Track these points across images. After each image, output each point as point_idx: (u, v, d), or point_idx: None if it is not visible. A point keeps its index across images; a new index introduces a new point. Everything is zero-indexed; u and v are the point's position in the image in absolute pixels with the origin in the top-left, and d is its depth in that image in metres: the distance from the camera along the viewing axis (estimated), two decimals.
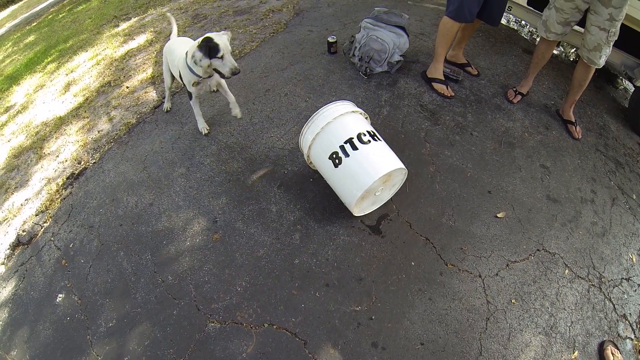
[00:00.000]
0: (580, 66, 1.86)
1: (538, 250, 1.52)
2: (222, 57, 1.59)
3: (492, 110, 2.08)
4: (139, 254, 1.65)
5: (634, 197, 1.83)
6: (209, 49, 1.58)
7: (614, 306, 1.44)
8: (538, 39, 2.76)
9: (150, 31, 3.62)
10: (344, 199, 1.51)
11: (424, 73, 2.25)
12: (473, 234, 1.52)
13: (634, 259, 1.59)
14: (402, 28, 2.26)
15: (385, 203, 1.61)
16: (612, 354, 1.34)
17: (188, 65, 1.68)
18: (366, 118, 1.59)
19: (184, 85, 1.89)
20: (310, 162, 1.63)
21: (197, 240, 1.62)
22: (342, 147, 1.41)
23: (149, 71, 2.86)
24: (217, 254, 1.57)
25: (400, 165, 1.42)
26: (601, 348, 1.35)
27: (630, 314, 1.44)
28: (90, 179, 2.10)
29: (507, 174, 1.76)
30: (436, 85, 2.17)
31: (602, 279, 1.50)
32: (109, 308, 1.53)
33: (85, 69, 3.38)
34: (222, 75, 1.68)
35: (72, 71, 3.46)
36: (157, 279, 1.55)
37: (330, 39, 2.50)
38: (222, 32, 1.67)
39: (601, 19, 1.63)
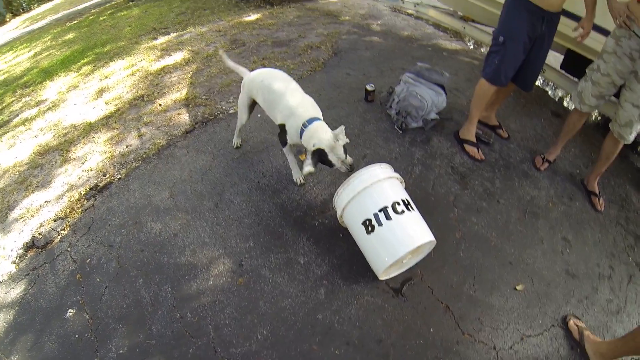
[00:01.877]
0: (610, 140, 2.15)
1: (553, 325, 1.77)
2: (333, 165, 1.85)
3: (520, 176, 2.39)
4: (158, 284, 1.87)
5: None
6: (321, 160, 1.83)
7: None
8: (569, 105, 3.10)
9: (188, 50, 4.07)
10: (372, 264, 1.78)
11: (456, 133, 2.58)
12: (491, 305, 1.79)
13: None
14: (442, 86, 2.61)
15: (410, 267, 1.89)
16: (576, 324, 1.73)
17: (301, 138, 1.89)
18: (401, 182, 1.88)
19: (281, 131, 2.02)
20: (342, 222, 1.92)
21: (221, 281, 1.87)
22: (376, 215, 1.69)
23: (183, 92, 3.25)
24: (240, 298, 1.80)
25: (431, 238, 1.70)
26: (565, 321, 1.76)
27: None
28: (114, 195, 2.38)
29: (529, 246, 2.04)
30: (468, 147, 2.49)
31: None
32: (121, 334, 1.71)
33: (120, 77, 3.82)
34: None
35: (106, 77, 3.90)
36: (175, 313, 1.75)
37: (368, 87, 2.85)
38: (337, 130, 1.84)
39: (635, 95, 1.91)
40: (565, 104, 3.21)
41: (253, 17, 4.91)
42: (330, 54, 3.67)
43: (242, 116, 2.33)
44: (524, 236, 2.09)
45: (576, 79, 2.69)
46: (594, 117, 3.08)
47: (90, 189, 2.47)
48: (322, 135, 1.83)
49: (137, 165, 2.57)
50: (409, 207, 1.73)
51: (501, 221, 2.14)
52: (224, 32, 4.44)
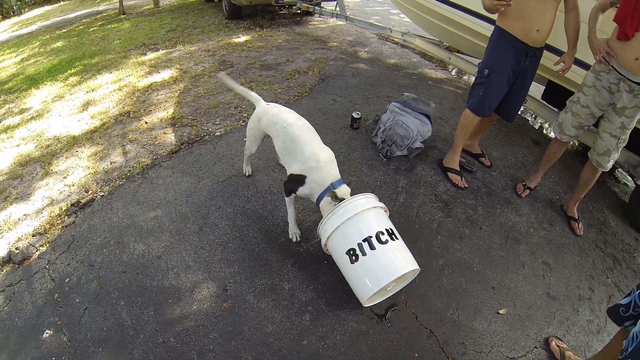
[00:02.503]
0: (588, 168, 2.34)
1: (535, 347, 1.87)
2: None
3: (502, 204, 2.57)
4: (140, 307, 1.90)
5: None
6: None
7: None
8: (549, 133, 3.35)
9: (176, 68, 4.25)
10: (357, 292, 1.87)
11: (440, 161, 2.77)
12: (475, 329, 1.89)
13: None
14: (428, 116, 2.82)
15: (394, 294, 2.00)
16: (557, 345, 1.85)
17: (319, 200, 1.94)
18: (386, 211, 2.00)
19: (289, 179, 2.03)
20: (327, 250, 2.02)
21: (205, 305, 1.91)
22: (360, 245, 1.79)
23: (170, 110, 3.39)
24: (224, 323, 1.84)
25: (415, 266, 1.80)
26: (547, 342, 1.88)
27: None
28: (96, 213, 2.42)
29: (511, 270, 2.17)
30: (451, 176, 2.67)
31: None
32: (101, 358, 1.71)
33: (107, 91, 3.95)
34: None
35: (93, 90, 4.02)
36: (158, 338, 1.78)
37: (355, 115, 3.05)
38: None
39: (613, 126, 2.12)
40: (545, 132, 3.47)
41: (242, 38, 5.18)
42: (317, 80, 3.91)
43: (252, 148, 2.37)
44: (506, 261, 2.22)
45: (556, 109, 2.95)
46: (571, 144, 3.31)
47: (72, 204, 2.50)
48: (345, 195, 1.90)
49: (120, 183, 2.65)
50: (393, 236, 1.84)
51: (484, 247, 2.28)
52: (212, 52, 4.67)
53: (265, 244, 2.24)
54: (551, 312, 2.02)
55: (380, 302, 1.97)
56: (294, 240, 2.23)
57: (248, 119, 3.21)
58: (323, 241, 1.97)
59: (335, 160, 2.03)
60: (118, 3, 8.88)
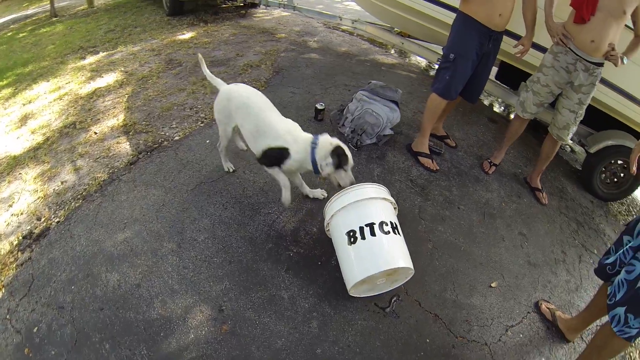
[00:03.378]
0: (549, 141, 2.66)
1: (528, 312, 2.10)
2: (346, 171, 2.06)
3: (472, 182, 2.80)
4: (130, 347, 1.75)
5: (595, 251, 2.59)
6: (339, 160, 2.01)
7: None
8: (502, 111, 3.73)
9: (121, 70, 4.00)
10: (345, 276, 1.95)
11: (409, 146, 2.92)
12: (474, 306, 2.07)
13: None
14: (396, 103, 2.96)
15: (383, 292, 2.07)
16: (547, 307, 2.10)
17: (313, 159, 2.04)
18: (395, 208, 2.09)
19: (265, 152, 2.10)
20: (328, 230, 2.09)
21: (203, 332, 1.83)
22: (361, 229, 1.87)
23: (120, 117, 3.19)
24: (229, 347, 1.78)
25: (409, 265, 1.90)
26: (537, 306, 2.13)
27: None
28: (55, 244, 2.21)
29: (493, 245, 2.40)
30: (422, 159, 2.84)
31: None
32: None
33: (46, 102, 3.65)
34: (337, 185, 2.09)
35: (30, 101, 3.72)
36: None
37: (318, 106, 3.09)
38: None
39: (572, 102, 2.43)
40: (497, 109, 3.86)
41: (187, 35, 5.05)
42: (271, 73, 3.91)
43: (228, 131, 2.35)
44: (487, 237, 2.44)
45: (509, 88, 3.28)
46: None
47: (24, 237, 2.29)
48: (334, 140, 2.06)
49: (77, 205, 2.45)
50: (396, 230, 1.95)
51: (465, 226, 2.47)
52: (157, 52, 4.50)
53: (252, 253, 2.20)
54: (534, 278, 2.28)
55: (383, 294, 2.05)
56: (286, 205, 2.21)
57: (206, 119, 3.14)
58: (327, 219, 2.04)
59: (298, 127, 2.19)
60: (49, 5, 8.33)
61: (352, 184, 2.07)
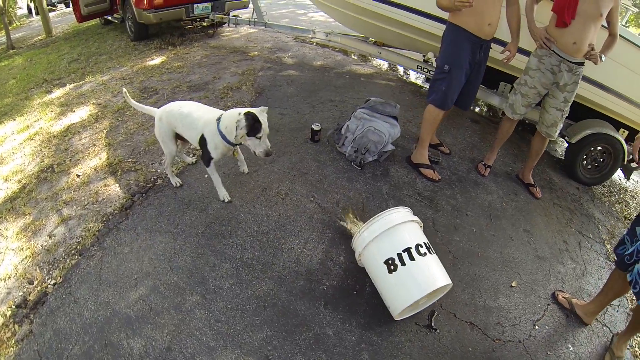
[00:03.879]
0: (538, 138, 2.96)
1: (548, 304, 2.38)
2: (259, 138, 2.22)
3: (473, 186, 3.05)
4: None
5: (590, 235, 2.96)
6: (252, 126, 2.16)
7: (610, 329, 2.40)
8: (481, 111, 4.05)
9: (93, 103, 3.89)
10: (390, 303, 2.09)
11: (409, 159, 3.12)
12: (502, 307, 2.31)
13: None
14: (395, 118, 3.13)
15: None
16: (563, 297, 2.40)
17: (220, 132, 2.26)
18: (420, 226, 2.26)
19: (202, 150, 2.38)
20: (360, 260, 2.20)
21: None
22: (399, 255, 2.01)
23: (103, 156, 3.11)
24: None
25: (449, 281, 2.08)
26: (554, 297, 2.42)
27: (620, 327, 2.39)
28: (58, 312, 2.07)
29: (504, 246, 2.66)
30: (424, 171, 3.04)
31: None
32: None
33: (15, 144, 3.49)
34: (254, 153, 2.31)
35: None
36: None
37: (314, 127, 3.20)
38: (260, 108, 2.29)
39: (558, 101, 2.74)
40: (477, 110, 4.18)
41: (157, 60, 4.97)
42: (254, 95, 3.96)
43: (171, 147, 2.56)
44: (498, 239, 2.71)
45: (485, 87, 3.57)
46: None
47: (17, 306, 2.12)
48: (241, 109, 2.22)
49: (73, 262, 2.31)
50: (430, 250, 2.13)
51: (477, 232, 2.72)
52: (129, 80, 4.40)
53: (285, 293, 2.22)
54: (546, 271, 2.58)
55: (422, 312, 2.25)
56: (225, 200, 2.63)
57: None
58: (359, 250, 2.15)
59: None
60: (4, 37, 8.08)
61: (268, 151, 2.27)
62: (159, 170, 2.98)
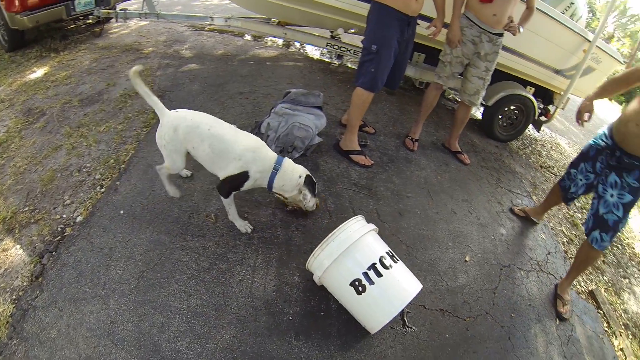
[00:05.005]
0: (462, 107, 3.19)
1: (501, 269, 2.62)
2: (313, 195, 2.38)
3: (405, 164, 3.15)
4: None
5: (518, 191, 3.31)
6: (313, 188, 2.37)
7: (554, 276, 2.74)
8: (426, 89, 4.19)
9: None
10: (366, 323, 2.07)
11: (337, 146, 3.09)
12: (463, 285, 2.46)
13: (545, 238, 3.03)
14: (320, 108, 3.03)
15: None
16: (519, 210, 3.09)
17: (271, 181, 2.26)
18: (376, 231, 2.20)
19: (228, 179, 2.21)
20: (321, 284, 2.12)
21: None
22: (365, 274, 1.96)
23: None
24: None
25: (420, 286, 2.08)
26: (512, 211, 3.11)
27: (564, 271, 2.77)
28: None
29: (450, 221, 2.82)
30: (355, 157, 3.04)
31: (539, 264, 2.77)
32: None
33: None
34: (300, 209, 2.50)
35: None
36: None
37: None
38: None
39: (479, 70, 2.97)
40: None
41: (40, 72, 4.28)
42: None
43: (178, 163, 2.34)
44: (442, 216, 2.86)
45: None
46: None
47: None
48: (299, 168, 2.31)
49: None
50: (394, 258, 2.10)
51: (422, 214, 2.83)
52: (9, 102, 3.70)
53: (250, 336, 2.08)
54: (491, 237, 2.81)
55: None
56: (248, 231, 2.49)
57: (104, 180, 2.78)
58: (318, 274, 2.05)
59: (264, 143, 2.32)
60: None
61: (315, 208, 2.46)
62: (64, 216, 2.52)
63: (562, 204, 2.93)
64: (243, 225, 2.47)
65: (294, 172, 2.26)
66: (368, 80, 2.81)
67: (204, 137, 2.17)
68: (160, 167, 2.44)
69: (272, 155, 2.26)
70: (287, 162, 2.29)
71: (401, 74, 3.12)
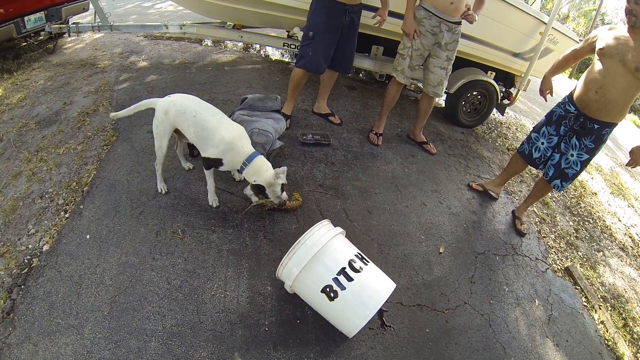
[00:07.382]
0: (425, 98, 3.31)
1: (475, 257, 2.74)
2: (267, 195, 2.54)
3: (371, 160, 3.24)
4: None
5: (487, 176, 3.47)
6: (258, 191, 2.52)
7: (529, 257, 2.89)
8: (388, 84, 4.32)
9: None
10: (342, 328, 2.11)
11: (282, 114, 3.24)
12: (439, 278, 2.56)
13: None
14: (278, 111, 3.12)
15: None
16: (476, 185, 3.31)
17: (242, 169, 2.48)
18: (343, 234, 2.25)
19: (208, 159, 2.50)
20: (292, 292, 2.18)
21: None
22: (336, 280, 2.01)
23: None
24: None
25: (394, 285, 2.15)
26: (470, 187, 3.33)
27: (538, 252, 2.95)
28: None
29: (420, 214, 2.92)
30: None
31: (514, 247, 2.92)
32: None
33: None
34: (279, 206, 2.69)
35: None
36: None
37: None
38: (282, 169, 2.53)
39: (441, 60, 3.10)
40: (350, 75, 4.43)
41: None
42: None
43: (163, 145, 2.61)
44: (412, 209, 2.96)
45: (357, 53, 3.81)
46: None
47: None
48: (263, 173, 2.47)
49: None
50: (364, 260, 2.16)
51: (391, 209, 2.92)
52: None
53: (228, 351, 2.12)
54: (464, 225, 2.94)
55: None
56: (214, 205, 2.78)
57: (68, 205, 2.78)
58: (289, 284, 2.10)
59: (245, 134, 2.57)
60: None
61: (282, 202, 2.59)
62: (30, 246, 2.47)
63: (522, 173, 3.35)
64: (211, 199, 2.78)
65: (255, 174, 2.47)
66: (306, 61, 3.21)
67: (190, 123, 2.48)
68: (156, 162, 2.75)
69: (246, 151, 2.48)
70: (259, 159, 2.49)
71: (349, 57, 3.37)
